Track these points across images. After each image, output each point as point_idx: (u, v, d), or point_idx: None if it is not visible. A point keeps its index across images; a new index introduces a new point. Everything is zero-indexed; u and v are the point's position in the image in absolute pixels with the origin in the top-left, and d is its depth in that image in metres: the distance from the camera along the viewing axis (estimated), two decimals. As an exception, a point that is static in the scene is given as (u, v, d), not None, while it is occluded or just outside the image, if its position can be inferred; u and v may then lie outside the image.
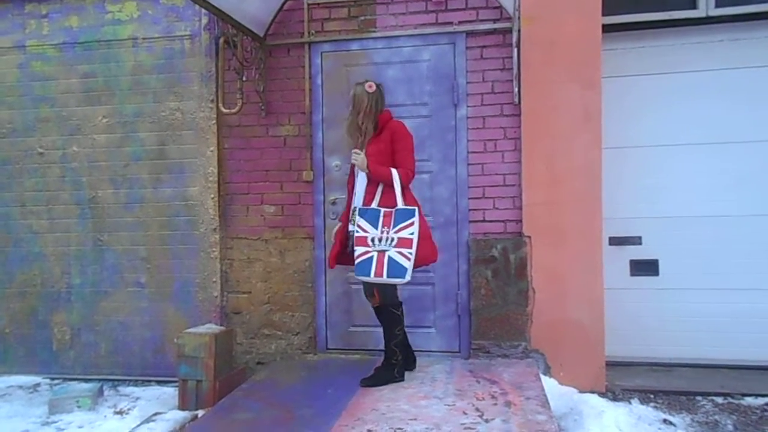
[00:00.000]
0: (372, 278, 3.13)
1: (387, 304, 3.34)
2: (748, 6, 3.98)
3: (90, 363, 4.49)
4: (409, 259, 3.11)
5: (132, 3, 4.46)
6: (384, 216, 3.19)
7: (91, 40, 4.51)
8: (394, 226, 3.15)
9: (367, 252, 3.15)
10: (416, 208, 3.24)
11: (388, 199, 3.25)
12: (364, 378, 3.38)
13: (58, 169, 4.57)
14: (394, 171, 3.25)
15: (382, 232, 3.15)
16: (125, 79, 4.48)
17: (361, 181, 3.34)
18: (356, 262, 3.16)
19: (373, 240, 3.16)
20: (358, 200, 3.33)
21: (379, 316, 3.43)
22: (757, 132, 4.06)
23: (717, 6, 4.03)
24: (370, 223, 3.18)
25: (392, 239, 3.13)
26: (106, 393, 4.15)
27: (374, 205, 3.24)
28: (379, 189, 3.27)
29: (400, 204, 3.22)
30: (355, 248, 3.18)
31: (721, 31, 4.10)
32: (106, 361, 4.47)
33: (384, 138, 3.30)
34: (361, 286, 3.49)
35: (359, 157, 3.26)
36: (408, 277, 3.12)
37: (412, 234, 3.14)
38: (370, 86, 3.33)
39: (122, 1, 4.48)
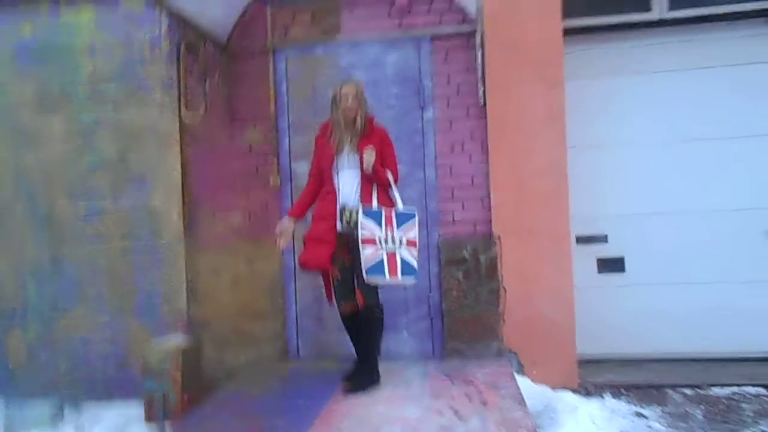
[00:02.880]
0: (387, 279, 3.09)
1: (371, 305, 3.25)
2: (700, 8, 4.11)
3: (49, 382, 4.26)
4: (416, 259, 3.16)
5: (89, 9, 4.34)
6: (385, 216, 3.16)
7: (46, 47, 4.36)
8: (398, 227, 3.15)
9: (377, 253, 3.09)
10: (415, 210, 3.27)
11: (384, 200, 3.26)
12: (346, 385, 3.31)
13: (10, 182, 4.38)
14: (389, 173, 3.26)
15: (386, 232, 3.12)
16: (83, 87, 4.34)
17: (349, 179, 3.26)
18: (368, 264, 3.08)
19: (380, 240, 3.11)
20: (347, 198, 3.25)
21: (357, 321, 3.33)
22: (717, 130, 4.18)
23: (670, 9, 4.16)
24: (376, 223, 3.13)
25: (401, 240, 3.13)
26: (66, 412, 3.95)
27: (374, 204, 3.20)
28: (374, 189, 3.24)
29: (400, 206, 3.25)
30: (364, 248, 3.08)
31: (676, 33, 4.22)
32: (67, 379, 4.23)
33: (374, 141, 3.27)
34: None
35: (373, 155, 3.15)
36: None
37: (415, 236, 3.20)
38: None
39: (78, 8, 4.35)
